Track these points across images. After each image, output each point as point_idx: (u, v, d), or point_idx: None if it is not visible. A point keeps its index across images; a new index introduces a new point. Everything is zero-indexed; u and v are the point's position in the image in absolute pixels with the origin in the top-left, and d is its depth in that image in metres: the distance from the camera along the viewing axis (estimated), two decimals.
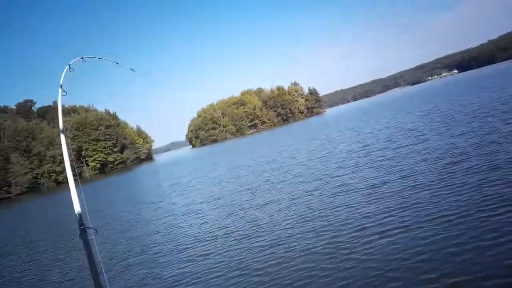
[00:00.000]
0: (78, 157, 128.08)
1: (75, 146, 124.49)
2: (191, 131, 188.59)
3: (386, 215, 9.12)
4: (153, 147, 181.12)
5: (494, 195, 8.43)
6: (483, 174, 10.23)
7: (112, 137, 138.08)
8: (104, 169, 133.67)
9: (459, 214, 7.89)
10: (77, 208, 3.72)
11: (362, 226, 8.82)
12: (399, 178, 12.31)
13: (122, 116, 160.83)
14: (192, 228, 13.55)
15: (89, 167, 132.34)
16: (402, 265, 6.38)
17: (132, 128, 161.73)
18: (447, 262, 6.05)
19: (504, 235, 6.41)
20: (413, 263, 6.35)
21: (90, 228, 3.54)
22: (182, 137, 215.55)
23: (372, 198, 10.94)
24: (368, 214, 9.53)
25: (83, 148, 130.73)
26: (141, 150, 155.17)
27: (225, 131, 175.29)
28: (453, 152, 13.94)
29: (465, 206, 8.25)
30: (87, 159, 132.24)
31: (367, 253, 7.25)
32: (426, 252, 6.59)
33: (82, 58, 5.88)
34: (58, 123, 5.55)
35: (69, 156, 4.83)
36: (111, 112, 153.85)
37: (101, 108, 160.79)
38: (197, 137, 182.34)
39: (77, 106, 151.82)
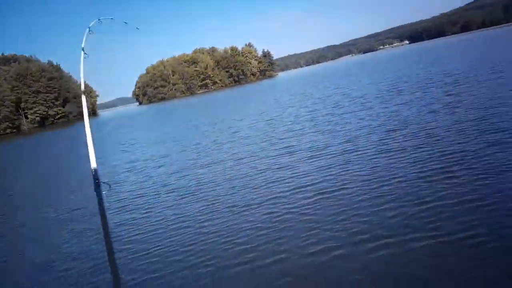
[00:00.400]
0: (16, 109, 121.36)
1: (13, 97, 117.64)
2: (139, 87, 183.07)
3: (326, 176, 9.29)
4: (98, 102, 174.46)
5: (429, 159, 8.77)
6: (421, 139, 10.62)
7: (54, 89, 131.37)
8: (44, 122, 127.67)
9: (396, 176, 8.16)
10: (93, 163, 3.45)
11: (302, 185, 8.95)
12: (343, 142, 12.56)
13: (66, 69, 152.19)
14: (134, 184, 13.24)
15: (28, 119, 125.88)
16: (337, 223, 6.53)
17: (77, 81, 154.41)
18: (380, 223, 6.25)
19: (434, 198, 6.69)
20: (349, 222, 6.51)
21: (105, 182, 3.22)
22: (129, 93, 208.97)
23: (315, 160, 11.11)
24: (309, 174, 9.68)
25: (22, 100, 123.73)
26: None
27: (175, 89, 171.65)
28: (395, 119, 14.36)
29: (401, 169, 8.54)
30: (26, 111, 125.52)
31: (304, 212, 7.36)
32: (361, 213, 6.78)
33: (99, 19, 5.48)
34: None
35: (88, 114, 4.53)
36: (55, 63, 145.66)
37: (43, 59, 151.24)
38: (144, 94, 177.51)
39: (18, 55, 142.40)
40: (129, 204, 10.74)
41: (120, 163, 18.86)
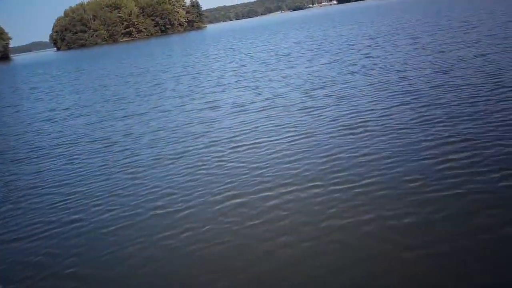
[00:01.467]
0: None
1: None
2: (57, 32, 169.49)
3: (247, 129, 9.56)
4: (10, 45, 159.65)
5: (341, 118, 9.33)
6: (336, 99, 11.20)
7: None
8: None
9: (309, 132, 8.61)
10: None
11: (219, 139, 9.15)
12: (265, 99, 12.86)
13: None
14: (47, 136, 12.66)
15: None
16: (251, 173, 6.85)
17: None
18: (293, 170, 6.66)
19: (341, 152, 7.21)
20: (262, 172, 6.85)
21: None
22: (46, 38, 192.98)
23: (234, 115, 11.32)
24: (229, 129, 9.89)
25: None
26: None
27: (96, 35, 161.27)
28: (315, 78, 14.89)
29: (313, 124, 9.02)
30: None
31: (220, 164, 7.59)
32: (273, 163, 7.15)
33: None
34: None
35: None
36: None
37: None
38: (63, 39, 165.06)
39: None
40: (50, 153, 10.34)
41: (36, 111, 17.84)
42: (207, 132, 10.15)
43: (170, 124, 11.59)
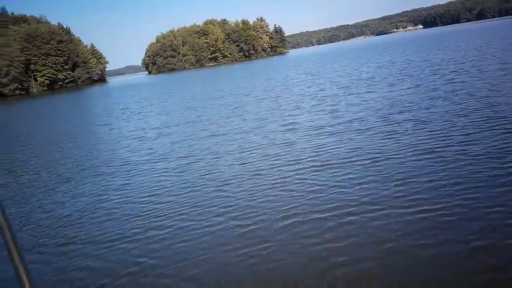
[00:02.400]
0: (26, 71, 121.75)
1: (23, 58, 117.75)
2: (148, 56, 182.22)
3: (323, 150, 9.80)
4: (107, 69, 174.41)
5: (416, 144, 9.24)
6: (414, 124, 11.06)
7: (63, 53, 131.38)
8: (53, 86, 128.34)
9: (383, 157, 8.64)
10: None
11: (297, 159, 9.48)
12: (342, 123, 13.02)
13: (76, 33, 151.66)
14: (136, 152, 13.85)
15: (37, 82, 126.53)
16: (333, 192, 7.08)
17: (86, 46, 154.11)
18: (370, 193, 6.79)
19: (414, 177, 7.19)
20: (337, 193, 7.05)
21: None
22: (139, 62, 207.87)
23: (310, 137, 11.61)
24: (306, 150, 10.18)
25: (32, 62, 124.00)
26: (94, 71, 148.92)
27: (184, 60, 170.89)
28: (395, 103, 14.76)
29: (387, 149, 9.02)
30: (35, 73, 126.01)
31: (289, 184, 7.91)
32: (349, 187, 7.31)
33: None
34: None
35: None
36: (65, 26, 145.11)
37: (53, 21, 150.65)
38: (154, 63, 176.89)
39: (28, 15, 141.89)
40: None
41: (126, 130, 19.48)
42: (283, 153, 10.55)
43: (249, 145, 12.17)
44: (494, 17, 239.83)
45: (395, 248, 5.11)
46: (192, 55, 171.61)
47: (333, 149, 10.15)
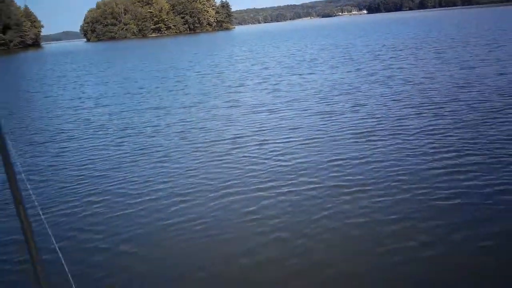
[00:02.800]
0: None
1: None
2: (87, 22, 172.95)
3: (263, 128, 9.93)
4: (42, 33, 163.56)
5: (350, 124, 9.62)
6: (351, 106, 11.46)
7: None
8: None
9: (318, 135, 8.92)
10: None
11: (228, 136, 9.56)
12: (282, 102, 13.23)
13: None
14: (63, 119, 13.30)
15: None
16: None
17: (20, 7, 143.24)
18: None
19: (346, 154, 7.50)
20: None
21: None
22: (77, 28, 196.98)
23: (250, 115, 11.71)
24: (246, 127, 10.27)
25: None
26: (28, 34, 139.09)
27: (126, 29, 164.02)
28: (335, 85, 15.19)
29: (323, 128, 9.32)
30: None
31: (239, 159, 7.99)
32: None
33: None
34: None
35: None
36: None
37: None
38: (93, 31, 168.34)
39: None
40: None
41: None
42: (224, 128, 10.58)
43: (190, 119, 12.07)
44: (434, 7, 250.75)
45: (326, 224, 5.34)
46: (134, 25, 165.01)
47: (273, 127, 10.32)
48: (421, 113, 10.21)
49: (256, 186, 6.70)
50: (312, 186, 6.51)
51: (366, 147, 8.08)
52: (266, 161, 7.85)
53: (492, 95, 11.30)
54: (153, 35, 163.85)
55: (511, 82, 12.68)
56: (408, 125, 9.30)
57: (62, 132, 11.89)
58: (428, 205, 5.57)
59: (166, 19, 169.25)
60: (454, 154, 7.28)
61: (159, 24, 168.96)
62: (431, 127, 8.98)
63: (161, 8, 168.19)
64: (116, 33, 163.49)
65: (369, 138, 8.62)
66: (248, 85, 17.58)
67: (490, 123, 8.88)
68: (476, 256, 4.42)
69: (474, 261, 4.34)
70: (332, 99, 13.00)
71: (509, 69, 14.85)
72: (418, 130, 8.87)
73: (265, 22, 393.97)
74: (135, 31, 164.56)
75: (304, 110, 11.87)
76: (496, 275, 4.13)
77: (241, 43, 56.04)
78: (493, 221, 5.01)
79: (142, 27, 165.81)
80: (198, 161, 8.24)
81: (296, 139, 9.04)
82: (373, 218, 5.37)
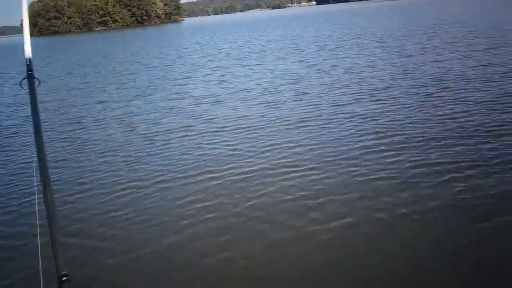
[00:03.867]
0: None
1: None
2: (29, 17, 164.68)
3: (207, 118, 10.04)
4: None
5: (293, 114, 9.91)
6: (295, 95, 11.78)
7: None
8: None
9: (270, 124, 9.15)
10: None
11: (182, 126, 9.61)
12: (228, 93, 13.38)
13: None
14: None
15: None
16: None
17: None
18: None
19: (286, 143, 7.76)
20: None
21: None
22: (17, 22, 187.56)
23: (200, 104, 11.80)
24: (190, 118, 10.34)
25: None
26: None
27: (70, 23, 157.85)
28: (282, 75, 15.51)
29: (274, 118, 9.55)
30: None
31: (183, 150, 8.06)
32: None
33: None
34: None
35: None
36: None
37: None
38: (35, 25, 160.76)
39: None
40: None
41: None
42: (169, 121, 10.60)
43: (135, 111, 12.00)
44: None
45: (257, 206, 5.55)
46: (79, 18, 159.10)
47: (217, 117, 10.46)
48: (360, 99, 10.70)
49: (188, 174, 6.86)
50: (248, 169, 6.78)
51: (304, 132, 8.44)
52: (207, 149, 7.99)
53: (427, 81, 11.94)
54: (99, 28, 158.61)
55: (445, 69, 13.39)
56: (347, 111, 9.74)
57: None
58: (358, 184, 5.90)
59: (112, 12, 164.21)
60: (387, 135, 7.74)
61: (105, 17, 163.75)
62: (368, 112, 9.44)
63: (107, 0, 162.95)
64: (59, 27, 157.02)
65: (308, 124, 9.01)
66: (196, 77, 17.59)
67: (425, 106, 9.45)
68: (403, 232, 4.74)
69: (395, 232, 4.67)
70: (277, 88, 13.29)
71: (444, 57, 15.68)
72: (355, 114, 9.33)
73: (215, 14, 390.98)
74: (80, 25, 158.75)
75: (248, 100, 12.11)
76: (416, 243, 4.45)
77: (190, 35, 55.52)
78: (421, 199, 5.34)
79: (87, 21, 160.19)
80: (142, 152, 8.24)
81: (238, 127, 9.29)
82: (304, 197, 5.65)
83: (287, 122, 9.29)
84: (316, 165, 6.64)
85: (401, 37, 23.96)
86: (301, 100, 11.38)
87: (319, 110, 10.10)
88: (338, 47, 22.54)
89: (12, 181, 7.45)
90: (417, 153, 6.75)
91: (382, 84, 12.23)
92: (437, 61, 14.90)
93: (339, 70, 15.34)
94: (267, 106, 11.09)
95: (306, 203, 5.48)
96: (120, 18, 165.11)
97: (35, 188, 2.03)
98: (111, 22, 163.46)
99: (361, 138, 7.73)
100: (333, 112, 9.78)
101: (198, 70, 19.45)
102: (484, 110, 8.69)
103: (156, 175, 6.96)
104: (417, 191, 5.52)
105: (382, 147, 7.12)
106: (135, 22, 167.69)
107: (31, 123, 2.03)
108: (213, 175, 6.69)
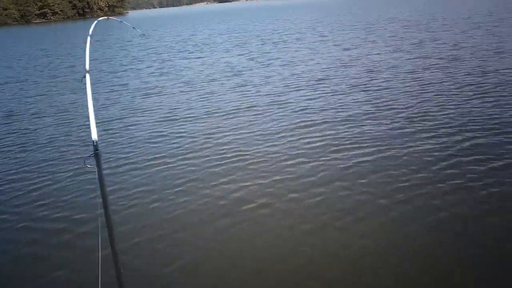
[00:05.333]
0: None
1: None
2: None
3: (144, 109, 10.08)
4: None
5: (229, 102, 10.18)
6: (233, 87, 12.05)
7: None
8: None
9: (204, 113, 9.35)
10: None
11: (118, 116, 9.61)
12: (173, 84, 13.45)
13: None
14: None
15: None
16: None
17: None
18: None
19: (221, 131, 8.01)
20: None
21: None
22: None
23: (140, 96, 11.79)
24: (129, 108, 10.35)
25: None
26: None
27: (6, 15, 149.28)
28: (224, 67, 15.72)
29: (208, 107, 9.76)
30: None
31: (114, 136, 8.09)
32: None
33: None
34: None
35: None
36: None
37: None
38: None
39: None
40: None
41: None
42: (105, 111, 10.54)
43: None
44: None
45: (184, 190, 5.75)
46: (16, 10, 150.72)
47: (156, 107, 10.56)
48: (298, 88, 11.25)
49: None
50: (180, 156, 7.05)
51: (236, 121, 8.80)
52: (149, 138, 8.08)
53: (361, 73, 12.58)
54: (38, 21, 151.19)
55: (380, 62, 14.13)
56: (281, 100, 10.23)
57: None
58: (262, 169, 6.29)
59: (51, 4, 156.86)
60: (318, 122, 8.19)
61: (44, 9, 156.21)
62: (302, 100, 9.92)
63: None
64: None
65: (244, 113, 9.38)
66: (137, 69, 17.40)
67: (353, 95, 10.05)
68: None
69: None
70: (216, 80, 13.48)
71: (377, 50, 16.51)
72: (290, 103, 9.81)
73: (160, 7, 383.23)
74: (16, 17, 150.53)
75: (186, 92, 12.22)
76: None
77: (135, 27, 54.07)
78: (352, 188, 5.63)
79: (25, 13, 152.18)
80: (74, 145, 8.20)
81: (172, 118, 9.51)
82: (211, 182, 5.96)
83: (224, 112, 9.59)
84: (242, 150, 7.05)
85: (341, 31, 24.83)
86: (237, 91, 11.71)
87: (257, 99, 10.51)
88: (280, 41, 23.01)
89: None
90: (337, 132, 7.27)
91: (321, 74, 12.78)
92: (371, 54, 15.67)
93: (279, 63, 15.76)
94: (204, 97, 11.33)
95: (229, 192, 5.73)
96: (60, 10, 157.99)
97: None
98: (50, 14, 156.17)
99: (290, 125, 8.16)
100: (271, 100, 10.27)
101: (140, 63, 19.23)
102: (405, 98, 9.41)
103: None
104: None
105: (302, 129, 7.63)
106: (77, 15, 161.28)
107: None
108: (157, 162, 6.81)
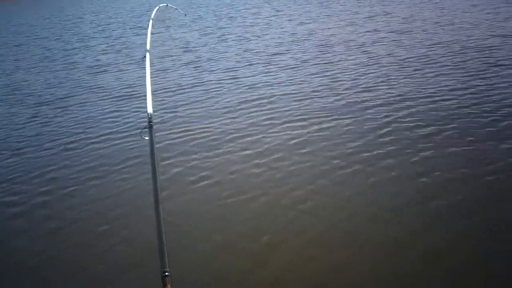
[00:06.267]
0: None
1: None
2: None
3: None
4: None
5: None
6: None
7: None
8: None
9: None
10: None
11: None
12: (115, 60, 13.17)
13: None
14: None
15: None
16: None
17: None
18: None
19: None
20: None
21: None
22: None
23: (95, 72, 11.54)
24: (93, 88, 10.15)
25: None
26: None
27: None
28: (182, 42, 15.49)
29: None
30: None
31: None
32: None
33: None
34: None
35: None
36: None
37: None
38: None
39: None
40: None
41: None
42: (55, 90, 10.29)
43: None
44: None
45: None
46: None
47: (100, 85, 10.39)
48: (250, 63, 11.37)
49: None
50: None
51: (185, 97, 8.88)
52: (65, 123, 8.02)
53: (313, 47, 12.74)
54: None
55: (332, 36, 14.31)
56: (232, 75, 10.34)
57: None
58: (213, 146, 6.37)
59: None
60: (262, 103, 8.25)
61: None
62: (254, 75, 10.03)
63: None
64: None
65: (192, 89, 9.48)
66: (88, 46, 16.93)
67: (304, 69, 10.25)
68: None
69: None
70: (168, 57, 13.29)
71: (332, 24, 16.67)
72: (240, 78, 9.90)
73: None
74: None
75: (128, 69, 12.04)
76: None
77: (87, 2, 51.94)
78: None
79: None
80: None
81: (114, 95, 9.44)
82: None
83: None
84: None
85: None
86: (190, 67, 11.65)
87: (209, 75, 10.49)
88: (234, 17, 22.73)
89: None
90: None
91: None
92: (324, 29, 15.82)
93: (232, 38, 15.68)
94: (155, 74, 11.20)
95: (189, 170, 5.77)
96: None
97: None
98: None
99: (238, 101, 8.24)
100: (221, 78, 10.22)
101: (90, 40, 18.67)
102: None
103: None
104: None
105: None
106: None
107: None
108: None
